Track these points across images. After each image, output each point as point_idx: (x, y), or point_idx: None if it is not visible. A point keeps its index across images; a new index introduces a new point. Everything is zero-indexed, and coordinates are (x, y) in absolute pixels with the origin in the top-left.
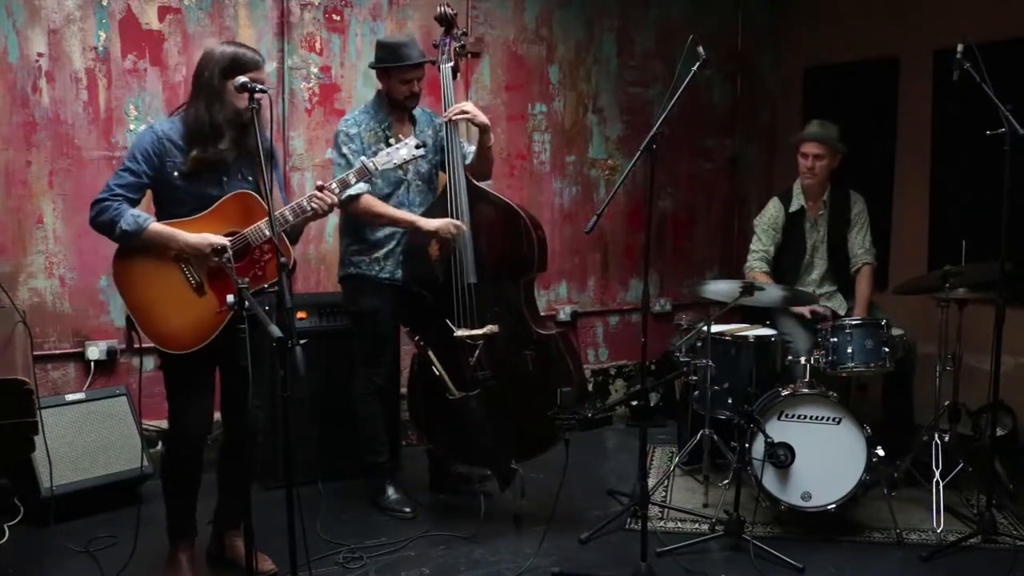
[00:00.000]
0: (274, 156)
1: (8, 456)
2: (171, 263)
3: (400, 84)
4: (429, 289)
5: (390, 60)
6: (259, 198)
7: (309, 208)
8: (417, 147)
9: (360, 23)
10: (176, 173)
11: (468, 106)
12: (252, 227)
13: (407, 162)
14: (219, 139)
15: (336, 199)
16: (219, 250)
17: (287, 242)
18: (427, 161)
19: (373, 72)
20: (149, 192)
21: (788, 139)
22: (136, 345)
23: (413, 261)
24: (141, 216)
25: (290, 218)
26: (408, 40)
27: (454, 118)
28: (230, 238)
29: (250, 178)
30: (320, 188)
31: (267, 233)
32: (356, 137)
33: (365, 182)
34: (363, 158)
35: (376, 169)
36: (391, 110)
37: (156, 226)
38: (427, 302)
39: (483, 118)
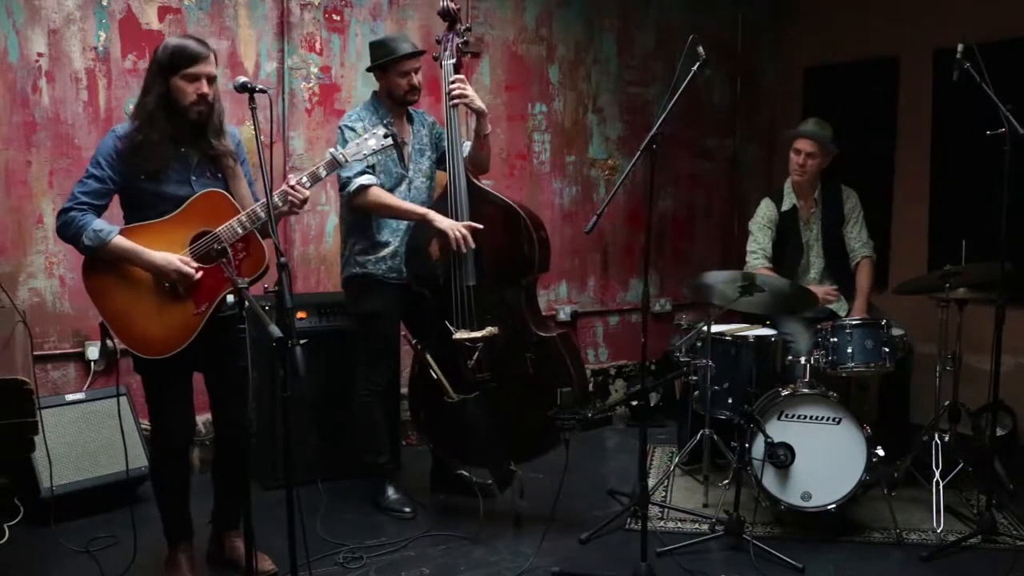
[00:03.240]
0: (239, 150)
1: (8, 456)
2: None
3: (399, 78)
4: (430, 288)
5: (385, 55)
6: (229, 196)
7: (282, 204)
8: (385, 136)
9: (360, 23)
10: (143, 176)
11: (468, 90)
12: (224, 225)
13: (375, 152)
14: (153, 124)
15: (307, 193)
16: (219, 251)
17: (259, 238)
18: (427, 158)
19: (373, 72)
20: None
21: (783, 134)
22: (111, 350)
23: (414, 259)
24: (103, 230)
25: (262, 215)
26: (398, 35)
27: (454, 102)
28: (202, 239)
29: (219, 176)
30: (291, 185)
31: (240, 231)
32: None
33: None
34: (331, 149)
35: (346, 160)
36: (390, 108)
37: (119, 241)
38: (427, 302)
39: (480, 103)
